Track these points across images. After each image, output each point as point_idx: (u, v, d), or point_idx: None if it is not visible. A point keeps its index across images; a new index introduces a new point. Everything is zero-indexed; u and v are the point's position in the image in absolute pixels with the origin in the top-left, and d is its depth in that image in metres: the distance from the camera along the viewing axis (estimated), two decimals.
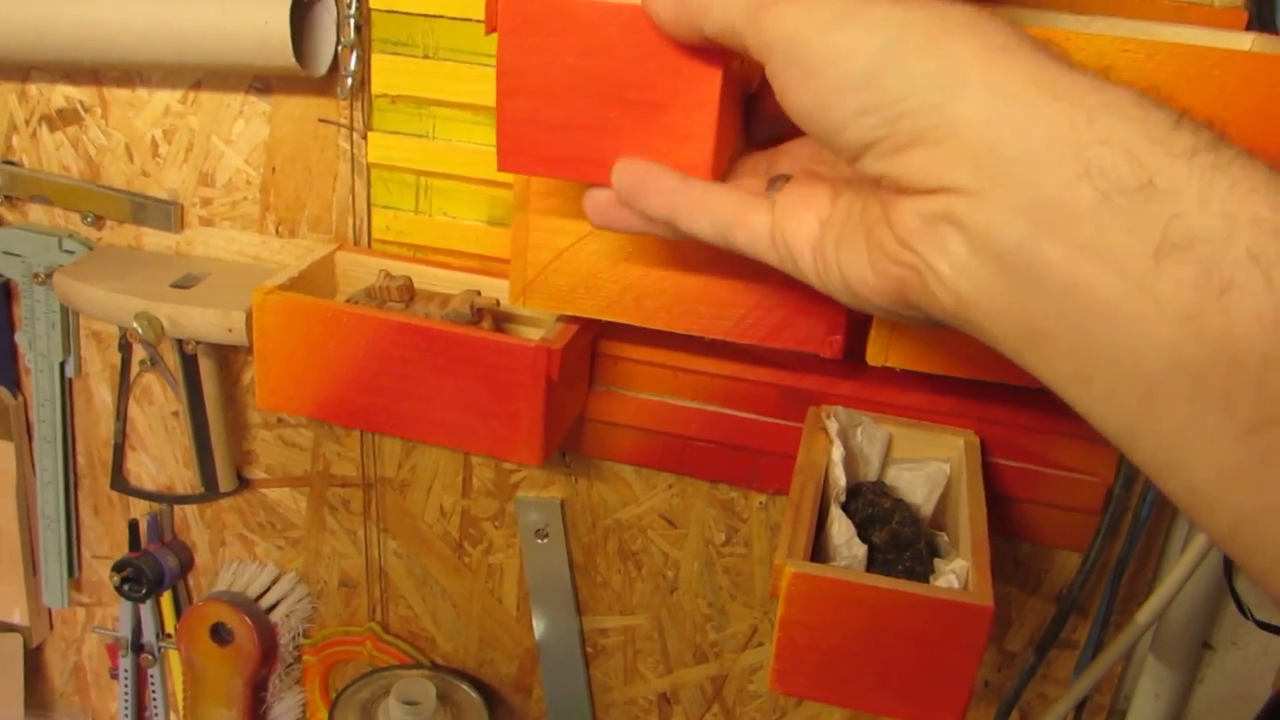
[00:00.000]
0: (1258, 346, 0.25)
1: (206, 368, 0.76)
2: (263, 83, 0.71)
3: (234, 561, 0.87)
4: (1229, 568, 0.64)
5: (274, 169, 0.73)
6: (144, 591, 0.85)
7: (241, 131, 0.73)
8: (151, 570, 0.85)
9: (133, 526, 0.86)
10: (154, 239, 0.78)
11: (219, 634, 0.84)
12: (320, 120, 0.70)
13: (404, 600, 0.85)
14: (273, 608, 0.85)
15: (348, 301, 0.66)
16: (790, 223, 0.39)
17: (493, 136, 0.47)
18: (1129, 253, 0.28)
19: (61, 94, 0.75)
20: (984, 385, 0.60)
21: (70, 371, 0.83)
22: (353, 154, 0.70)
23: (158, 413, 0.83)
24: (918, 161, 0.32)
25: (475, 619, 0.84)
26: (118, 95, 0.74)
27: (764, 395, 0.68)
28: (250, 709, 0.86)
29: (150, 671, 0.91)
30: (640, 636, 0.80)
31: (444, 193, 0.68)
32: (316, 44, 0.67)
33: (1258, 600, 0.65)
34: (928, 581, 0.57)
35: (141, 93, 0.73)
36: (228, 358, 0.79)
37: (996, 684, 0.75)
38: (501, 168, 0.45)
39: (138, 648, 0.90)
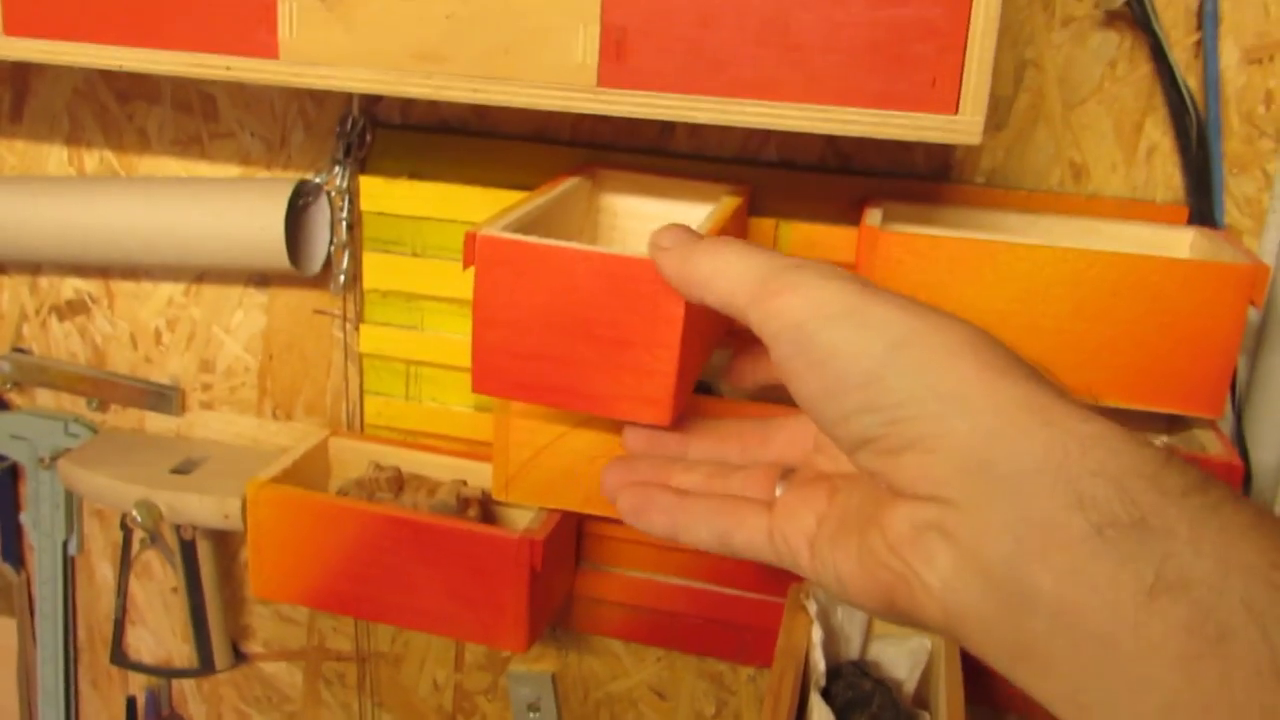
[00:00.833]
0: (1256, 698, 0.25)
1: (204, 548, 0.78)
2: (260, 276, 0.74)
3: None
4: None
5: (271, 356, 0.76)
6: None
7: (240, 321, 0.76)
8: None
9: (130, 703, 0.87)
10: (156, 422, 0.80)
11: None
12: (315, 311, 0.74)
13: None
14: None
15: (338, 492, 0.68)
16: (789, 523, 0.40)
17: None
18: (1122, 588, 0.28)
19: (70, 286, 0.79)
20: None
21: (73, 549, 0.85)
22: (346, 343, 0.73)
23: (157, 588, 0.85)
24: (911, 466, 0.32)
25: None
26: (123, 287, 0.78)
27: (747, 571, 0.69)
28: None
29: None
30: None
31: (433, 380, 0.71)
32: (311, 242, 0.70)
33: None
34: None
35: (146, 285, 0.77)
36: (225, 536, 0.81)
37: None
38: (477, 390, 0.48)
39: None
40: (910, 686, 0.65)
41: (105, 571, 0.86)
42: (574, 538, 0.70)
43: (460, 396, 0.71)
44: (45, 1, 0.53)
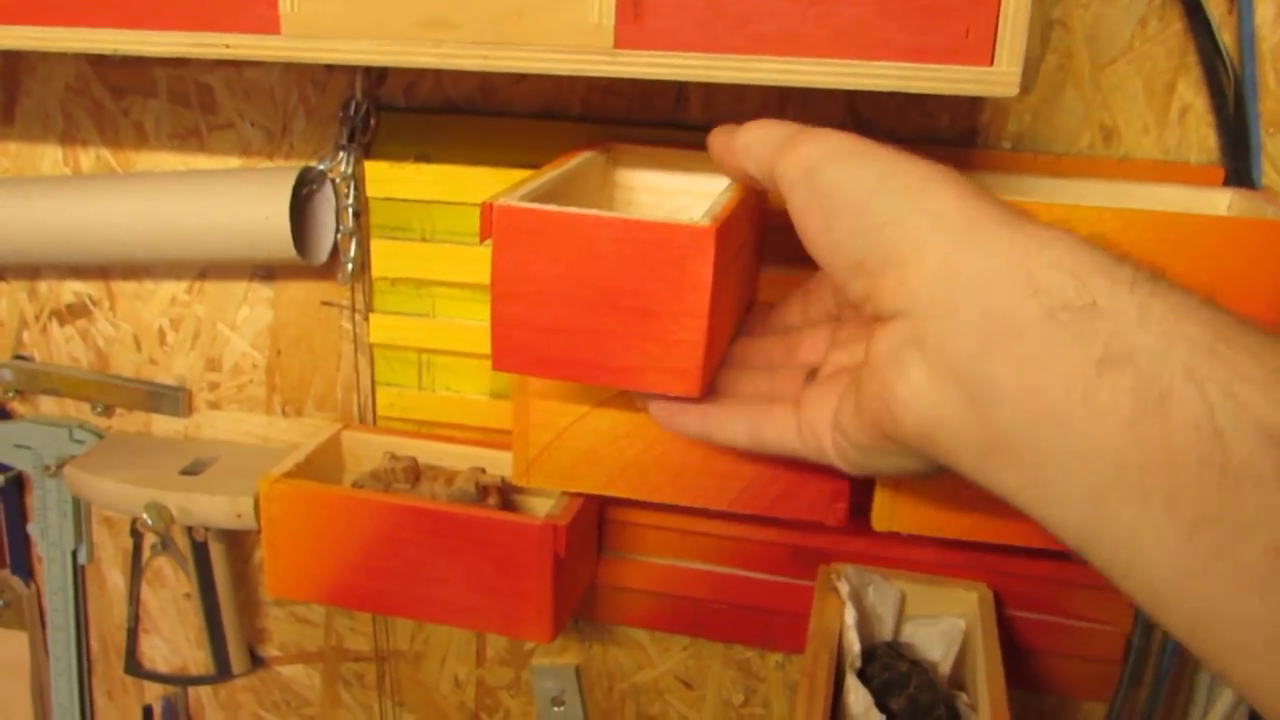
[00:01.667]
0: (1194, 450, 0.27)
1: (217, 551, 0.77)
2: (266, 269, 0.73)
3: None
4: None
5: (279, 351, 0.74)
6: None
7: (246, 317, 0.74)
8: None
9: (147, 712, 0.85)
10: (163, 424, 0.79)
11: None
12: (323, 303, 0.72)
13: None
14: None
15: (353, 485, 0.66)
16: (814, 411, 0.42)
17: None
18: (1073, 365, 0.30)
19: (70, 289, 0.77)
20: None
21: (82, 559, 0.83)
22: (355, 334, 0.72)
23: (170, 595, 0.83)
24: (891, 282, 0.35)
25: None
26: (125, 288, 0.76)
27: (773, 555, 0.68)
28: None
29: None
30: None
31: (446, 368, 0.69)
32: (317, 231, 0.69)
33: None
34: None
35: (148, 285, 0.75)
36: (238, 538, 0.79)
37: None
38: (497, 368, 0.46)
39: None
40: (945, 668, 0.63)
41: (116, 580, 0.84)
42: (596, 524, 0.68)
43: (475, 384, 0.69)
44: None
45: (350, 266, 0.69)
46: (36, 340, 0.79)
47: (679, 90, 0.62)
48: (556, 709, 0.77)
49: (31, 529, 0.84)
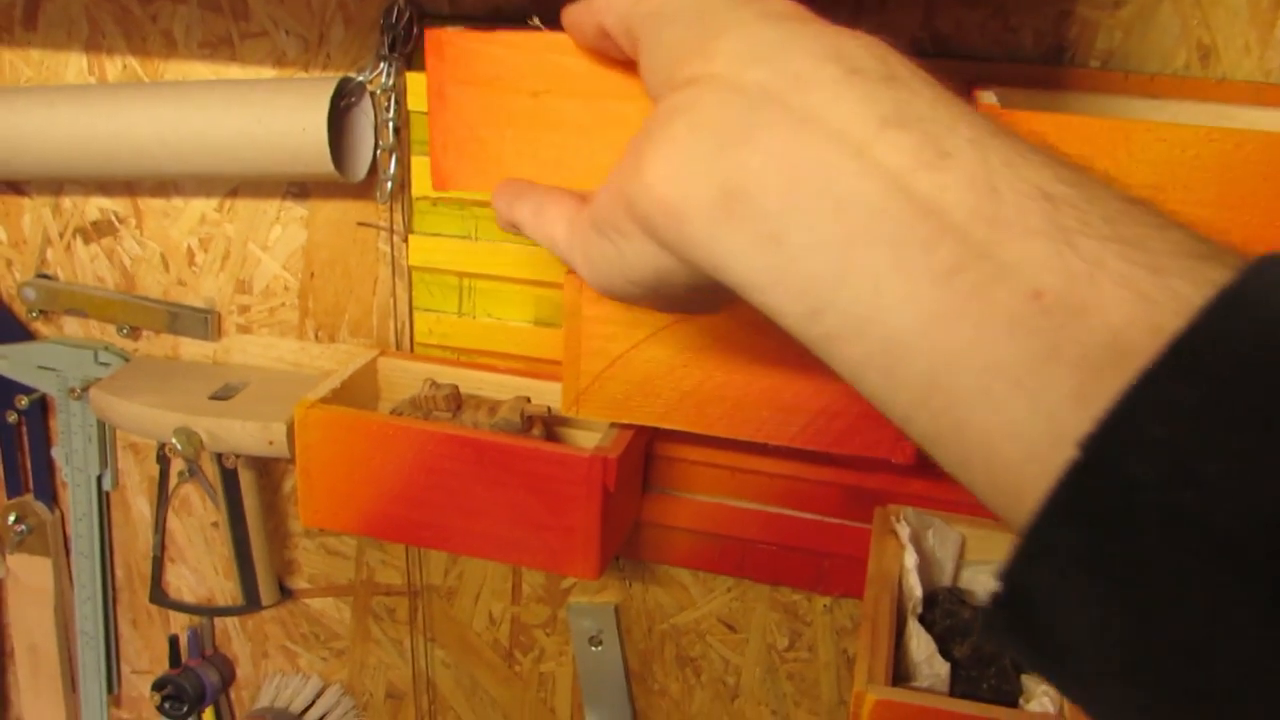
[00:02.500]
0: (965, 204, 0.26)
1: (246, 479, 0.74)
2: (299, 187, 0.69)
3: (277, 674, 0.84)
4: None
5: (312, 274, 0.71)
6: (185, 710, 0.82)
7: (279, 237, 0.71)
8: (193, 687, 0.82)
9: (173, 642, 0.83)
10: (191, 348, 0.76)
11: None
12: (359, 224, 0.69)
13: (453, 711, 0.81)
14: None
15: (392, 412, 0.64)
16: (580, 210, 0.40)
17: None
18: (854, 116, 0.28)
19: (95, 206, 0.74)
20: None
21: (108, 485, 0.81)
22: (393, 257, 0.69)
23: (197, 524, 0.81)
24: (695, 56, 0.33)
25: None
26: (152, 205, 0.73)
27: (827, 495, 0.65)
28: None
29: None
30: None
31: (488, 294, 0.66)
32: (354, 148, 0.65)
33: None
34: (1016, 702, 0.54)
35: (176, 202, 0.72)
36: (268, 466, 0.77)
37: None
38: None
39: None
40: None
41: (142, 507, 0.82)
42: (644, 459, 0.66)
43: (518, 311, 0.66)
44: None
45: (389, 185, 0.65)
46: (61, 259, 0.76)
47: None
48: (594, 649, 0.75)
49: (56, 453, 0.81)
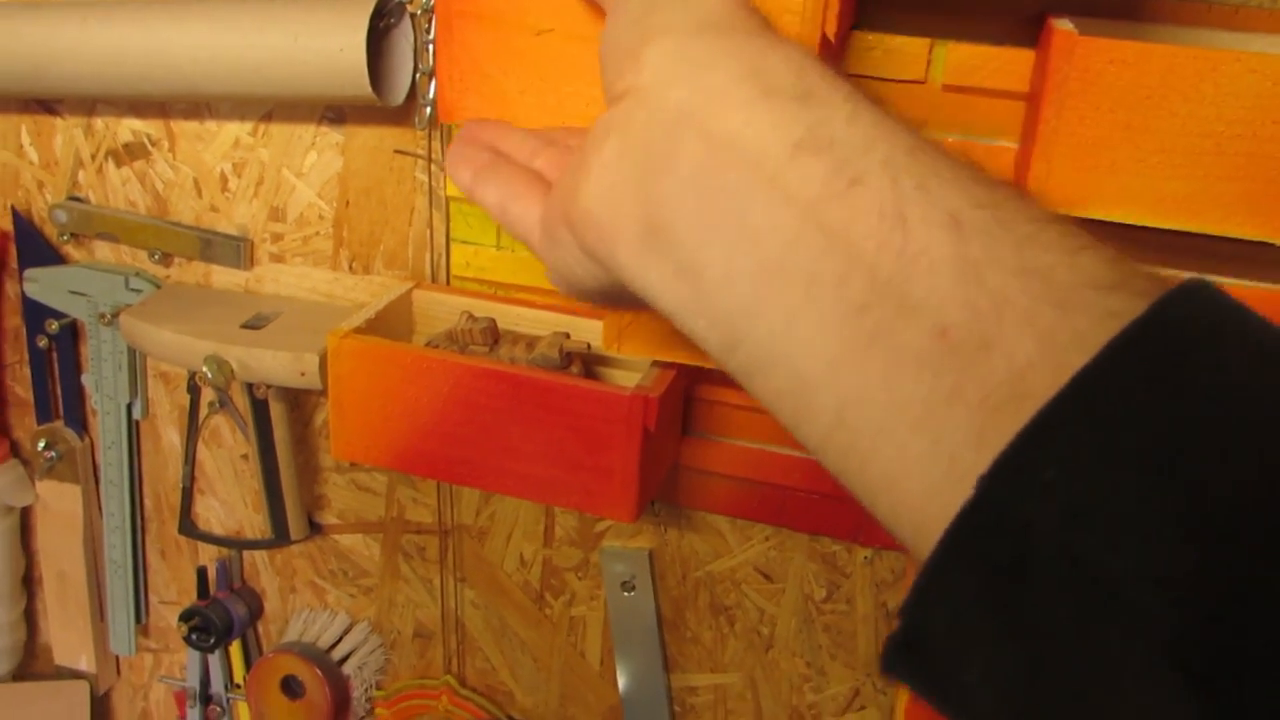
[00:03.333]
0: (874, 235, 0.26)
1: (277, 411, 0.73)
2: (336, 113, 0.67)
3: (305, 610, 0.84)
4: None
5: (347, 203, 0.69)
6: (213, 641, 0.82)
7: (314, 164, 0.69)
8: (220, 619, 0.81)
9: (201, 573, 0.83)
10: (223, 276, 0.74)
11: (290, 687, 0.80)
12: (396, 151, 0.67)
13: (481, 652, 0.80)
14: (345, 659, 0.81)
15: (428, 345, 0.62)
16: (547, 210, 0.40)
17: None
18: (769, 143, 0.28)
19: (128, 128, 0.72)
20: None
21: (138, 413, 0.80)
22: (430, 186, 0.67)
23: (226, 455, 0.80)
24: (630, 64, 0.33)
25: (556, 673, 0.79)
26: (185, 128, 0.71)
27: None
28: None
29: None
30: (732, 696, 0.75)
31: None
32: (393, 71, 0.63)
33: None
34: None
35: (210, 125, 0.70)
36: (299, 399, 0.76)
37: None
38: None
39: (206, 699, 0.87)
40: None
41: (172, 437, 0.81)
42: (683, 402, 0.64)
43: None
44: None
45: (428, 111, 0.63)
46: (92, 181, 0.75)
47: None
48: (626, 594, 0.73)
49: (86, 380, 0.80)
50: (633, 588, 0.73)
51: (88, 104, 0.72)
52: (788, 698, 0.74)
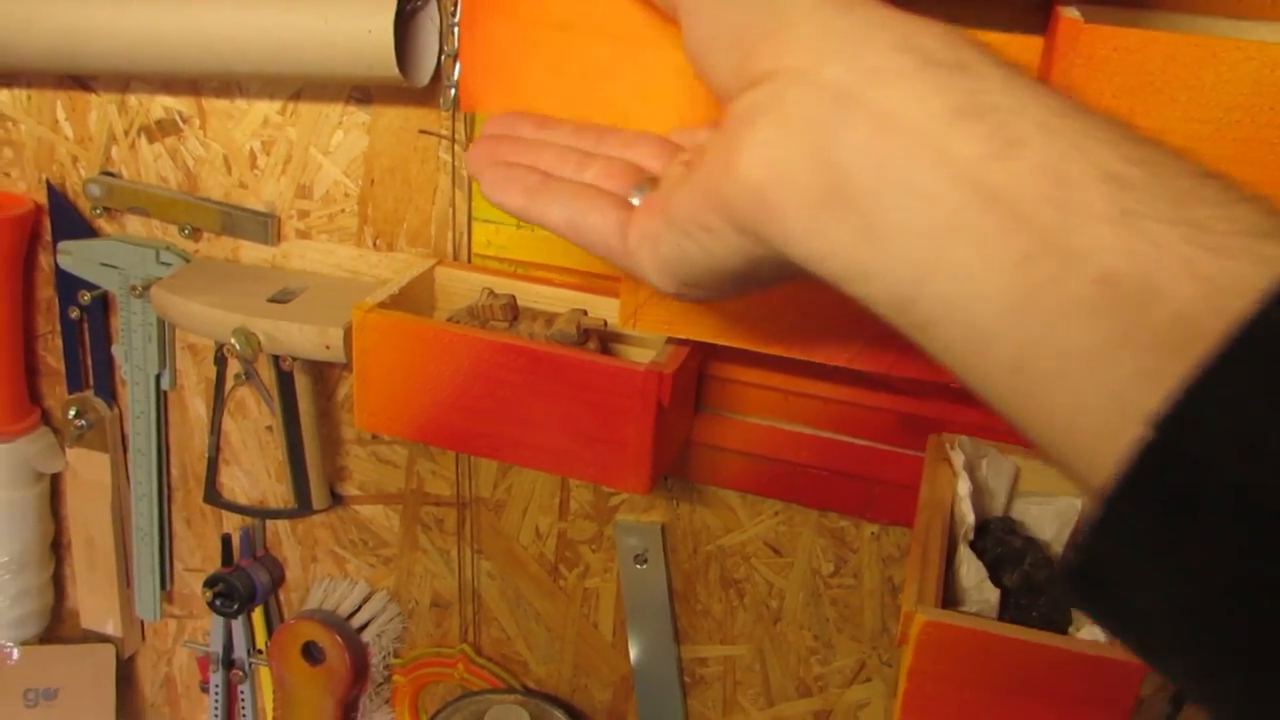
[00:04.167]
0: (1036, 190, 0.27)
1: (302, 383, 0.75)
2: (362, 93, 0.69)
3: (325, 579, 0.86)
4: None
5: (373, 181, 0.71)
6: (236, 607, 0.84)
7: (340, 143, 0.71)
8: (244, 586, 0.84)
9: (225, 541, 0.85)
10: (251, 251, 0.76)
11: (310, 653, 0.83)
12: (421, 131, 0.69)
13: (497, 622, 0.83)
14: (364, 627, 0.84)
15: (449, 320, 0.64)
16: (645, 211, 0.40)
17: None
18: (930, 110, 0.29)
19: (160, 105, 0.74)
20: None
21: (166, 384, 0.82)
22: (454, 166, 0.68)
23: (251, 427, 0.82)
24: (764, 50, 0.34)
25: (570, 644, 0.81)
26: (216, 106, 0.73)
27: (881, 422, 0.64)
28: None
29: (240, 687, 0.90)
30: (741, 667, 0.77)
31: None
32: (419, 53, 0.65)
33: None
34: (1065, 631, 0.53)
35: (240, 103, 0.72)
36: (323, 373, 0.78)
37: None
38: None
39: (229, 664, 0.89)
40: (1057, 548, 0.60)
41: (198, 408, 0.84)
42: (697, 378, 0.65)
43: None
44: None
45: (453, 92, 0.65)
46: (125, 157, 0.77)
47: None
48: (639, 567, 0.75)
49: (116, 350, 0.83)
50: (645, 561, 0.75)
51: (122, 81, 0.74)
52: (795, 669, 0.76)
